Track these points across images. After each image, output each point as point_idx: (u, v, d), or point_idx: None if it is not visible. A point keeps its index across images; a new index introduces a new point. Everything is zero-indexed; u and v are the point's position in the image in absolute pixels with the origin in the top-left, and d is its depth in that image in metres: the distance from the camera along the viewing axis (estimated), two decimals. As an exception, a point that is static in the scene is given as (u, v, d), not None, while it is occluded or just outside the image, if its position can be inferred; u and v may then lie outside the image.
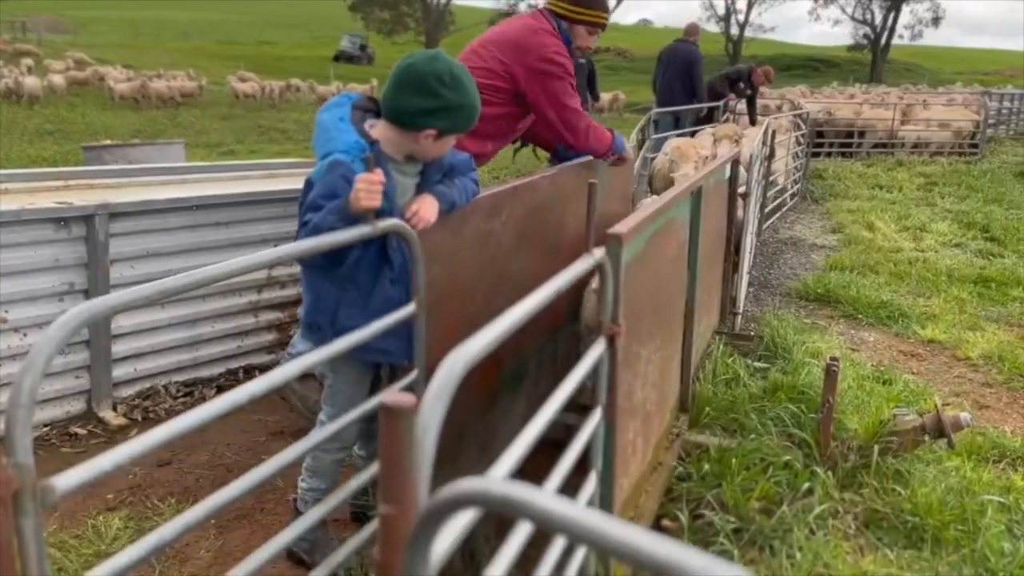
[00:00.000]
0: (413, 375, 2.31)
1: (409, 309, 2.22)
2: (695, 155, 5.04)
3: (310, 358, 1.80)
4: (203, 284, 1.56)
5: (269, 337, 4.17)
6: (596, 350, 2.00)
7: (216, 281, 1.61)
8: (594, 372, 2.05)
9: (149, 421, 3.55)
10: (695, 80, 9.71)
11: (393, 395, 0.98)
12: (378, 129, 2.34)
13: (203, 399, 3.79)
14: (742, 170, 5.03)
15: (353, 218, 2.07)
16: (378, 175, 2.06)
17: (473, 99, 2.32)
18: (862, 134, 14.57)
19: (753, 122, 11.85)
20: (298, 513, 2.64)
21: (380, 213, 2.10)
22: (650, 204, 2.62)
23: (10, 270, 3.17)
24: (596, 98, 10.23)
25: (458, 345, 2.68)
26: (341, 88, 27.77)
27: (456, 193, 2.42)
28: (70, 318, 1.28)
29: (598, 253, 1.91)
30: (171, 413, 3.64)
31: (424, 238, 2.33)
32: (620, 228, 2.17)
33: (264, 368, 4.13)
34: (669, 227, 2.94)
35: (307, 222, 2.19)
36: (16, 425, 1.20)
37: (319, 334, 2.41)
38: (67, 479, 1.21)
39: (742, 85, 11.37)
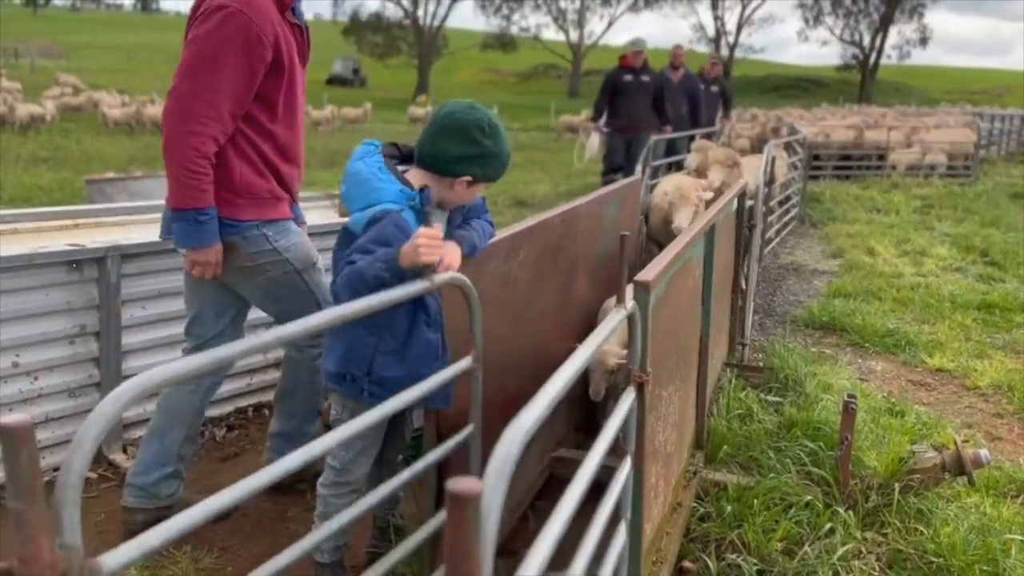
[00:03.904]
0: (468, 430, 2.28)
1: (465, 364, 2.19)
2: (695, 198, 4.84)
3: (353, 427, 1.73)
4: (260, 351, 1.55)
5: (277, 374, 4.13)
6: (627, 399, 1.99)
7: (273, 347, 1.59)
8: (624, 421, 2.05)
9: (160, 463, 3.51)
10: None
11: (459, 481, 0.96)
12: (412, 176, 2.35)
13: (213, 439, 3.76)
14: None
15: (400, 270, 2.05)
16: (438, 230, 2.05)
17: (507, 147, 2.39)
18: (881, 156, 14.64)
19: (727, 116, 11.64)
20: (317, 565, 2.60)
21: None
22: (671, 246, 2.62)
23: (21, 314, 3.14)
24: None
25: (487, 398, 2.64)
26: (335, 112, 27.81)
27: (475, 236, 2.42)
28: (123, 392, 1.25)
29: (631, 304, 1.90)
30: (181, 454, 3.61)
31: (447, 286, 2.32)
32: (646, 275, 2.17)
33: (272, 407, 4.09)
34: (686, 267, 2.94)
35: (352, 262, 2.17)
36: (64, 504, 1.17)
37: (353, 385, 2.36)
38: (115, 557, 1.18)
39: (715, 89, 11.04)
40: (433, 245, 2.00)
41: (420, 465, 2.15)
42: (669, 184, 5.13)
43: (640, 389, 2.07)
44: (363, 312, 1.83)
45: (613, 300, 2.91)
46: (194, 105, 2.56)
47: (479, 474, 2.31)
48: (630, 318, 1.94)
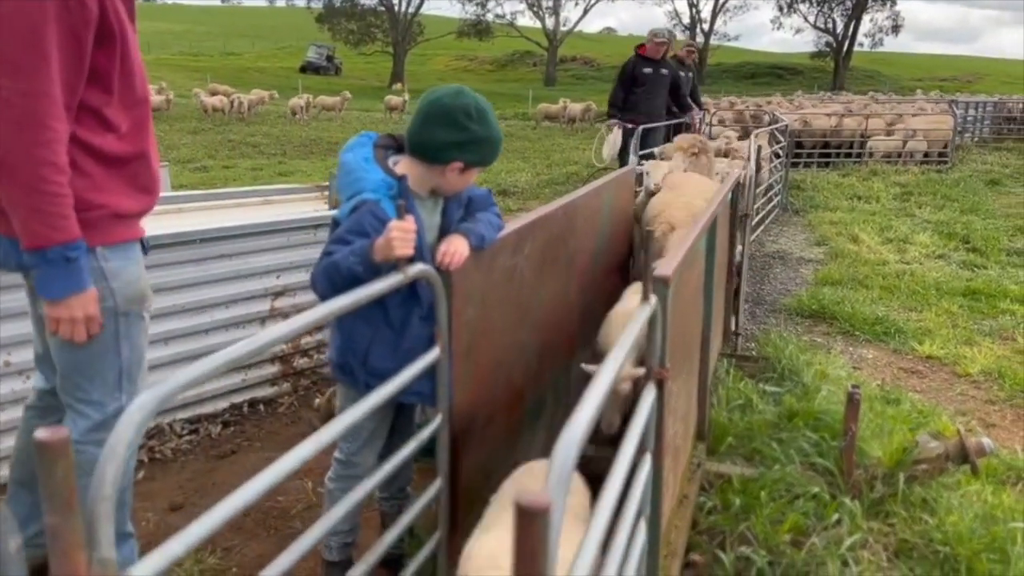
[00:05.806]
0: (437, 421, 2.26)
1: (433, 354, 2.18)
2: (688, 222, 4.27)
3: (355, 413, 1.76)
4: (262, 350, 1.51)
5: (272, 369, 4.08)
6: (648, 397, 1.97)
7: (273, 346, 1.56)
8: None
9: (156, 462, 3.44)
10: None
11: (527, 494, 0.94)
12: (402, 165, 2.32)
13: (208, 436, 3.70)
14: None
15: (374, 264, 2.04)
16: (411, 222, 2.03)
17: (497, 132, 2.33)
18: (862, 144, 14.77)
19: (699, 105, 11.25)
20: (324, 563, 2.57)
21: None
22: (681, 240, 2.59)
23: (12, 312, 3.06)
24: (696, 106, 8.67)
25: (489, 387, 2.62)
26: (311, 100, 27.52)
27: (483, 227, 2.38)
28: (145, 402, 1.22)
29: (654, 300, 1.88)
30: (177, 452, 3.55)
31: (459, 280, 2.29)
32: (665, 270, 2.14)
33: (268, 401, 4.05)
34: (693, 260, 2.93)
35: (330, 253, 2.16)
36: (99, 518, 1.13)
37: (351, 377, 2.37)
38: (143, 568, 1.16)
39: (691, 75, 10.53)
40: (406, 238, 1.99)
41: (402, 455, 2.14)
42: (653, 210, 4.56)
43: (660, 386, 2.05)
44: (348, 307, 1.82)
45: None
46: (33, 106, 1.93)
47: (448, 466, 2.31)
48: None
